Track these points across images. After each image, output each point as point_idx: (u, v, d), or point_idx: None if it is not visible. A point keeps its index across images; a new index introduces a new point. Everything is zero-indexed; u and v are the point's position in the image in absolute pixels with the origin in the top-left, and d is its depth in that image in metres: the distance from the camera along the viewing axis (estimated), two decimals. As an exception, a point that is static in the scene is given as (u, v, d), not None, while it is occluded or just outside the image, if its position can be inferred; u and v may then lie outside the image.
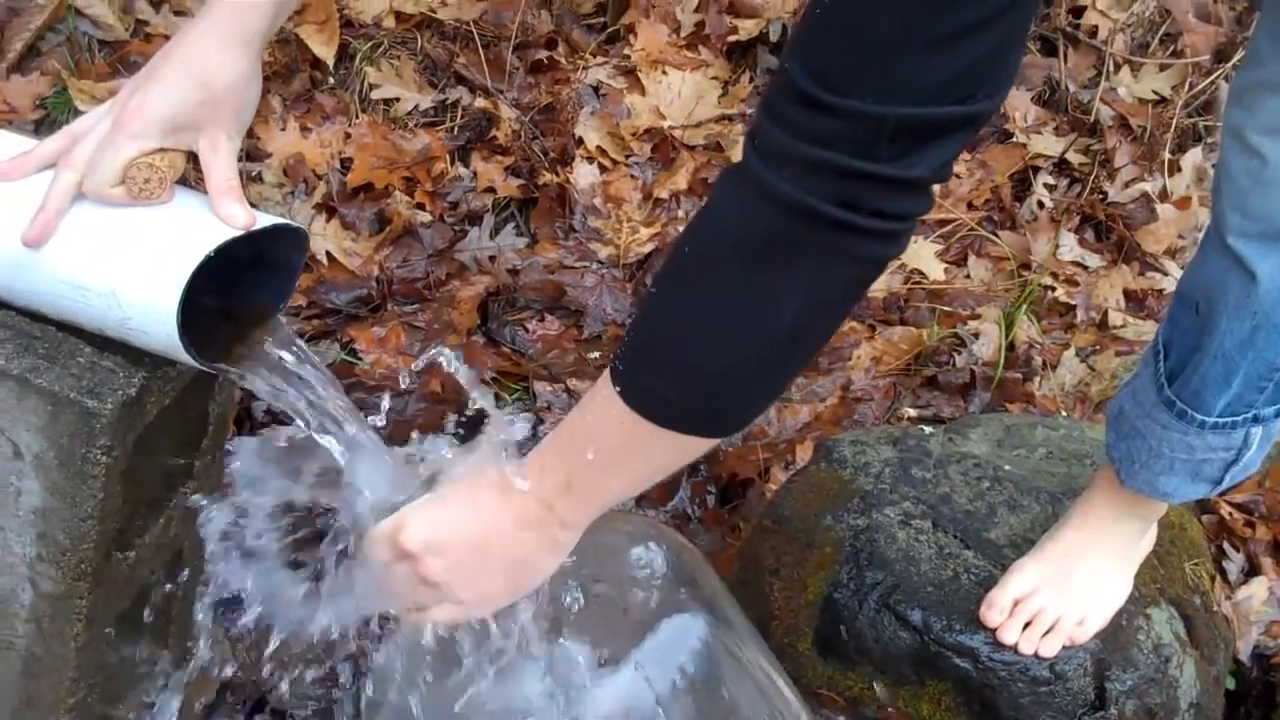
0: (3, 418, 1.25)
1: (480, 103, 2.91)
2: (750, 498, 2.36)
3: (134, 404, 1.26)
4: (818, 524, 1.93)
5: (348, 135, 2.82)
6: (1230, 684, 2.14)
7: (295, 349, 1.30)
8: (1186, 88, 3.17)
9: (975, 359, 2.63)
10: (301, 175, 2.74)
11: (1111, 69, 3.18)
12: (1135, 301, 2.88)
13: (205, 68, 1.27)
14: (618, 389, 1.14)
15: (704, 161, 2.93)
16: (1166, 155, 3.09)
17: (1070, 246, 2.93)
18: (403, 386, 2.47)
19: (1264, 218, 1.44)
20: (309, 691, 1.91)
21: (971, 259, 2.89)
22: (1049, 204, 3.01)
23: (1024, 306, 2.72)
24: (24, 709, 1.44)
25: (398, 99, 2.91)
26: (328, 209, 2.73)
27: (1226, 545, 2.34)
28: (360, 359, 2.51)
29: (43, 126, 2.71)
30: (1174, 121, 3.12)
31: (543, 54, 3.02)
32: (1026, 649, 1.76)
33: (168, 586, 1.53)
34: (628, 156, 2.93)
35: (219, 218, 1.25)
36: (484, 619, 1.30)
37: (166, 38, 2.83)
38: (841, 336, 2.63)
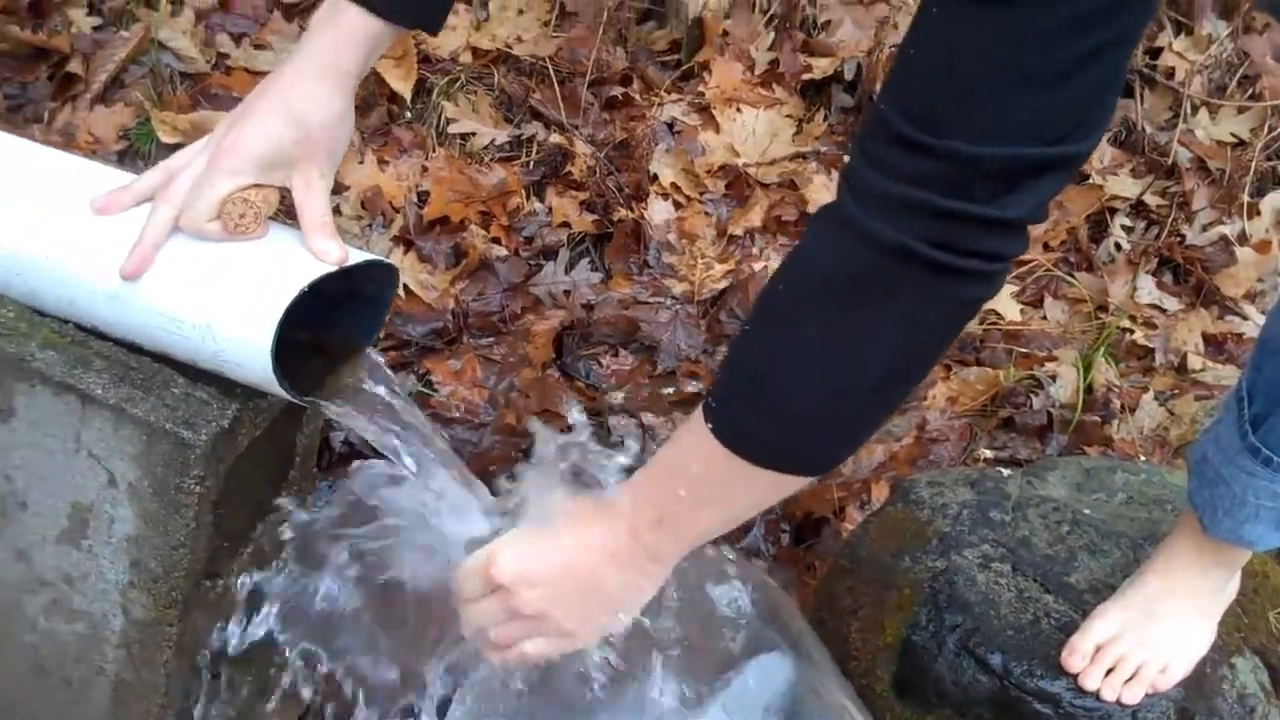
0: (99, 446, 1.27)
1: (555, 138, 2.93)
2: (825, 536, 2.35)
3: (227, 435, 1.27)
4: (895, 565, 1.91)
5: (424, 169, 2.84)
6: (1313, 735, 2.11)
7: (385, 383, 1.31)
8: (1266, 130, 3.14)
9: (1052, 401, 2.61)
10: (379, 208, 2.76)
11: (1189, 111, 3.16)
12: (1214, 345, 2.85)
13: (300, 106, 1.29)
14: (710, 426, 1.14)
15: (778, 199, 2.93)
16: (1245, 198, 3.07)
17: (1148, 289, 2.91)
18: (479, 419, 2.48)
19: None
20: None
21: (1048, 300, 2.87)
22: (1126, 246, 2.99)
23: (1102, 349, 2.70)
24: (111, 734, 1.46)
25: (474, 133, 2.93)
26: (405, 242, 2.75)
27: (1309, 594, 2.31)
28: (436, 391, 2.52)
29: (125, 157, 2.75)
30: (1253, 164, 3.09)
31: (618, 90, 3.03)
32: (1109, 696, 1.74)
33: (252, 614, 1.55)
34: (702, 193, 2.94)
35: (313, 253, 1.26)
36: (569, 656, 1.30)
37: (246, 71, 2.88)
38: (917, 376, 2.62)
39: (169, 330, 1.25)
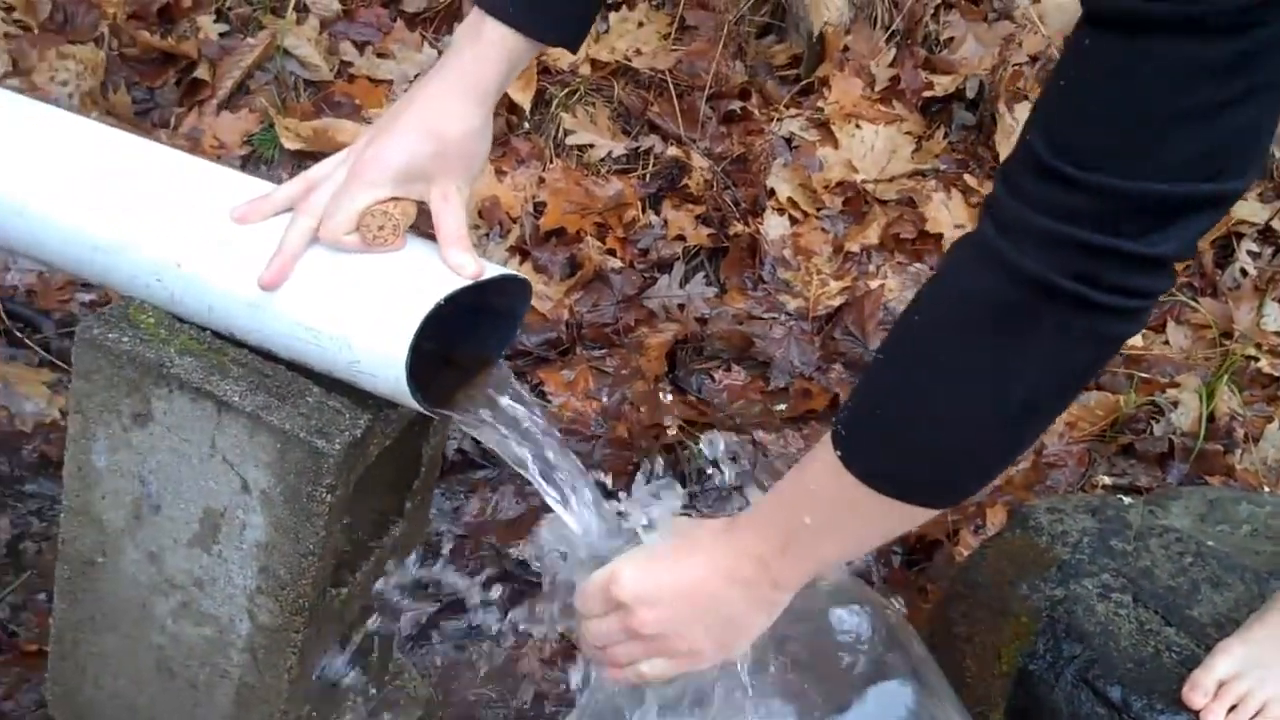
0: (233, 452, 1.29)
1: (673, 151, 2.93)
2: (938, 560, 2.33)
3: (359, 445, 1.28)
4: (1013, 592, 1.89)
5: (542, 180, 2.86)
6: None
7: (517, 396, 1.32)
8: (1398, 156, 3.08)
9: (1174, 428, 2.57)
10: (496, 218, 2.79)
11: (1319, 134, 3.09)
12: (1342, 376, 2.79)
13: (439, 121, 1.30)
14: (839, 454, 1.13)
15: (896, 216, 2.92)
16: (1375, 225, 3.00)
17: (1275, 316, 2.86)
18: (590, 431, 2.49)
19: None
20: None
21: (1171, 325, 2.83)
22: (1253, 272, 2.94)
23: (1225, 376, 2.65)
24: (234, 737, 1.48)
25: (591, 145, 2.94)
26: (521, 252, 2.77)
27: None
28: (549, 401, 2.53)
29: (249, 163, 2.80)
30: (1384, 191, 3.03)
31: (736, 104, 3.04)
32: (1231, 734, 1.70)
33: (372, 623, 1.56)
34: (819, 209, 2.93)
35: (449, 267, 1.27)
36: (687, 680, 1.30)
37: (369, 79, 2.92)
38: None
39: (306, 340, 1.26)
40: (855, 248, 2.86)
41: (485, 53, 1.30)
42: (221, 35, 2.94)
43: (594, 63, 3.02)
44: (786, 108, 3.06)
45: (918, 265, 2.85)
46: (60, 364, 2.33)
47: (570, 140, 2.94)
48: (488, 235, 2.77)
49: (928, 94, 3.09)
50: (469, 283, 1.27)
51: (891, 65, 3.12)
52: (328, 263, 1.28)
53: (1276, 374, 2.75)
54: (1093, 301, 1.01)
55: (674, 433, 2.49)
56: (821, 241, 2.86)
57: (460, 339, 1.35)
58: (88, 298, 2.47)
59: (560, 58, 2.99)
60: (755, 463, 2.48)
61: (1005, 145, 2.94)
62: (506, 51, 1.30)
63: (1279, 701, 1.72)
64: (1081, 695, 1.77)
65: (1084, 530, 1.97)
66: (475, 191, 2.79)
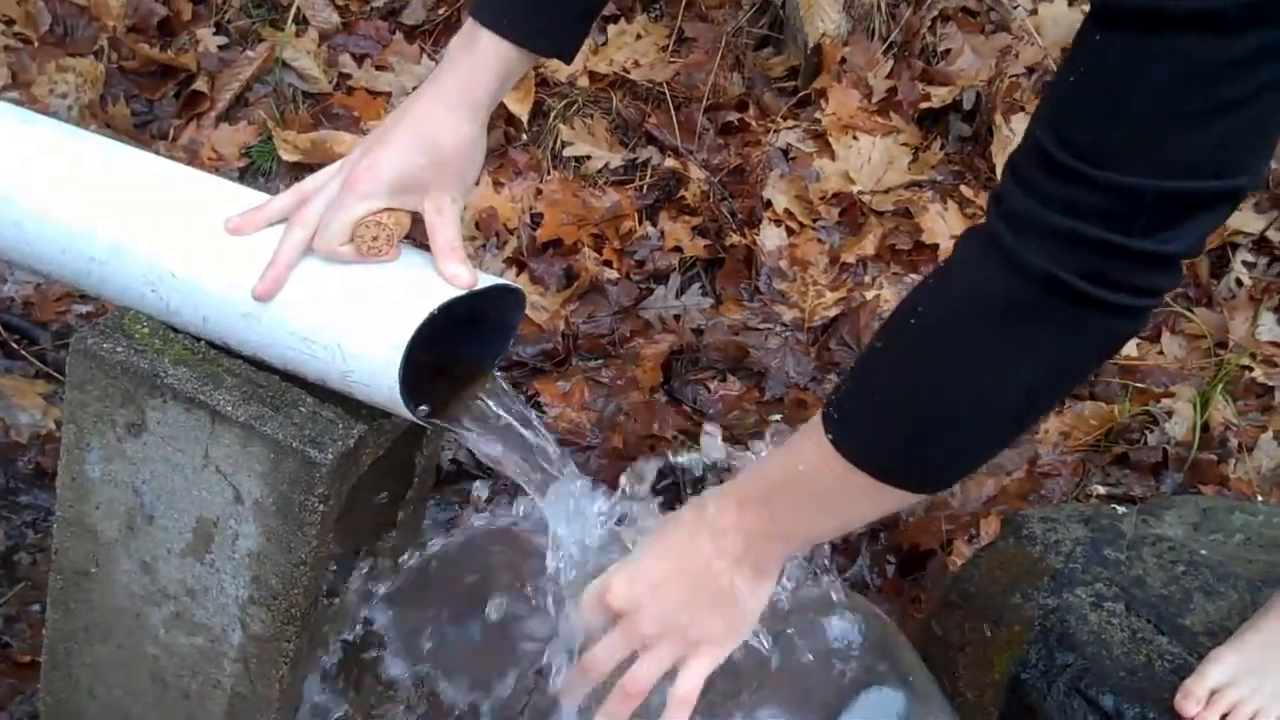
0: (226, 463, 1.30)
1: (670, 163, 2.94)
2: (931, 569, 2.33)
3: (351, 455, 1.29)
4: (1006, 601, 1.89)
5: (539, 191, 2.87)
6: None
7: (511, 406, 1.32)
8: (1394, 167, 3.08)
9: (1168, 438, 2.57)
10: (493, 229, 2.79)
11: (1315, 145, 3.10)
12: (1336, 386, 2.80)
13: (433, 133, 1.31)
14: (830, 436, 1.14)
15: (892, 227, 2.92)
16: (1371, 236, 3.00)
17: (1269, 326, 2.86)
18: (586, 442, 2.49)
19: None
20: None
21: (1165, 335, 2.83)
22: (1248, 282, 2.94)
23: (1220, 386, 2.66)
24: (226, 747, 1.48)
25: (589, 156, 2.95)
26: (518, 263, 2.77)
27: None
28: (544, 412, 2.53)
29: (247, 174, 2.81)
30: (1380, 202, 3.03)
31: (733, 116, 3.04)
32: (1224, 742, 1.71)
33: (363, 631, 1.57)
34: (815, 220, 2.93)
35: (443, 277, 1.28)
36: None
37: (367, 91, 2.93)
38: (1029, 410, 2.59)
39: (300, 350, 1.27)
40: (851, 259, 2.86)
41: (479, 64, 1.31)
42: (220, 48, 2.95)
43: (592, 74, 3.03)
44: (784, 119, 3.07)
45: (914, 276, 2.86)
46: (56, 376, 2.33)
47: (568, 152, 2.95)
48: (484, 246, 2.77)
49: (924, 105, 3.10)
50: (463, 292, 1.27)
51: (889, 77, 3.13)
52: (322, 273, 1.29)
53: (1271, 384, 2.75)
54: (1101, 299, 1.02)
55: (669, 438, 2.50)
56: (818, 252, 2.87)
57: (454, 349, 1.36)
58: (84, 309, 2.48)
59: (558, 70, 3.00)
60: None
61: (1002, 157, 2.94)
62: (501, 62, 1.31)
63: (1271, 709, 1.73)
64: (1074, 704, 1.77)
65: (1077, 539, 1.97)
66: (472, 203, 2.80)
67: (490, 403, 1.33)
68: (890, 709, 1.42)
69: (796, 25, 3.12)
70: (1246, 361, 2.78)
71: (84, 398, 1.34)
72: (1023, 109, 3.04)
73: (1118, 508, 2.13)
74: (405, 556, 1.44)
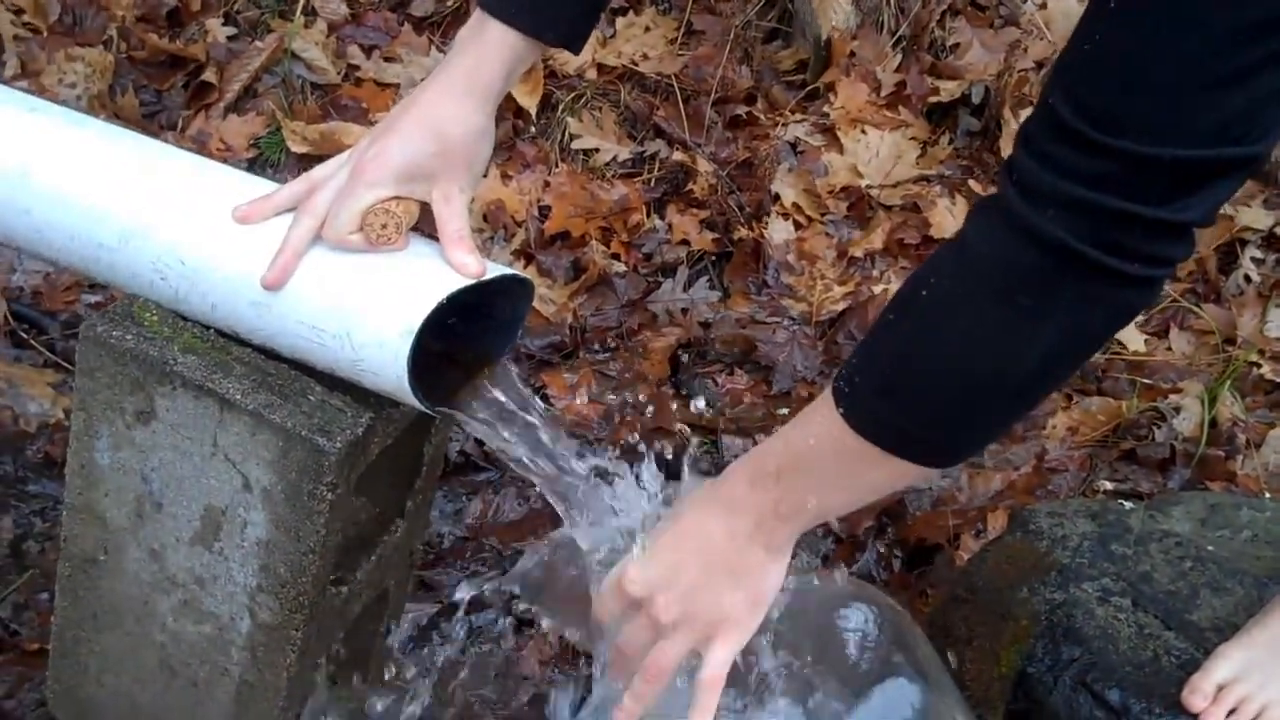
0: (235, 451, 1.30)
1: (678, 156, 2.94)
2: (938, 564, 2.32)
3: (360, 443, 1.29)
4: (1013, 596, 1.89)
5: (547, 184, 2.87)
6: None
7: (520, 397, 1.32)
8: (1403, 163, 3.07)
9: (1176, 434, 2.57)
10: (501, 221, 2.79)
11: (1325, 141, 3.09)
12: (1344, 383, 2.79)
13: (441, 122, 1.31)
14: (841, 410, 1.14)
15: (900, 222, 2.92)
16: (1380, 232, 3.00)
17: (1278, 323, 2.85)
18: (593, 434, 2.49)
19: None
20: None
21: (1174, 331, 2.83)
22: (1256, 278, 2.93)
23: (1228, 382, 2.65)
24: (234, 735, 1.49)
25: (597, 149, 2.95)
26: (526, 255, 2.77)
27: None
28: (551, 404, 2.53)
29: (255, 165, 2.80)
30: (1390, 198, 3.03)
31: (742, 109, 3.04)
32: (1230, 737, 1.71)
33: (371, 622, 1.57)
34: (823, 214, 2.93)
35: (452, 266, 1.28)
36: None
37: (376, 83, 2.92)
38: (1036, 404, 2.59)
39: (309, 339, 1.27)
40: (859, 253, 2.86)
41: (487, 53, 1.31)
42: (229, 38, 2.95)
43: (600, 67, 3.03)
44: (792, 113, 3.06)
45: (921, 270, 2.85)
46: (65, 365, 2.33)
47: (576, 144, 2.95)
48: (492, 238, 2.77)
49: (933, 99, 3.10)
50: (472, 282, 1.27)
51: (897, 71, 3.12)
52: (330, 262, 1.29)
53: (1279, 380, 2.74)
54: (1115, 269, 1.01)
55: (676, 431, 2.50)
56: (825, 246, 2.87)
57: (463, 339, 1.36)
58: (93, 299, 2.48)
59: (567, 62, 3.00)
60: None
61: (1010, 151, 2.93)
62: (508, 52, 1.31)
63: (1278, 705, 1.73)
64: (1080, 699, 1.77)
65: (1084, 534, 1.97)
66: (480, 195, 2.80)
67: (498, 393, 1.32)
68: (906, 701, 1.41)
69: (805, 18, 3.12)
70: (1254, 358, 2.77)
71: (93, 385, 1.35)
72: (1031, 103, 3.03)
73: (1125, 503, 2.12)
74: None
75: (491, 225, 2.79)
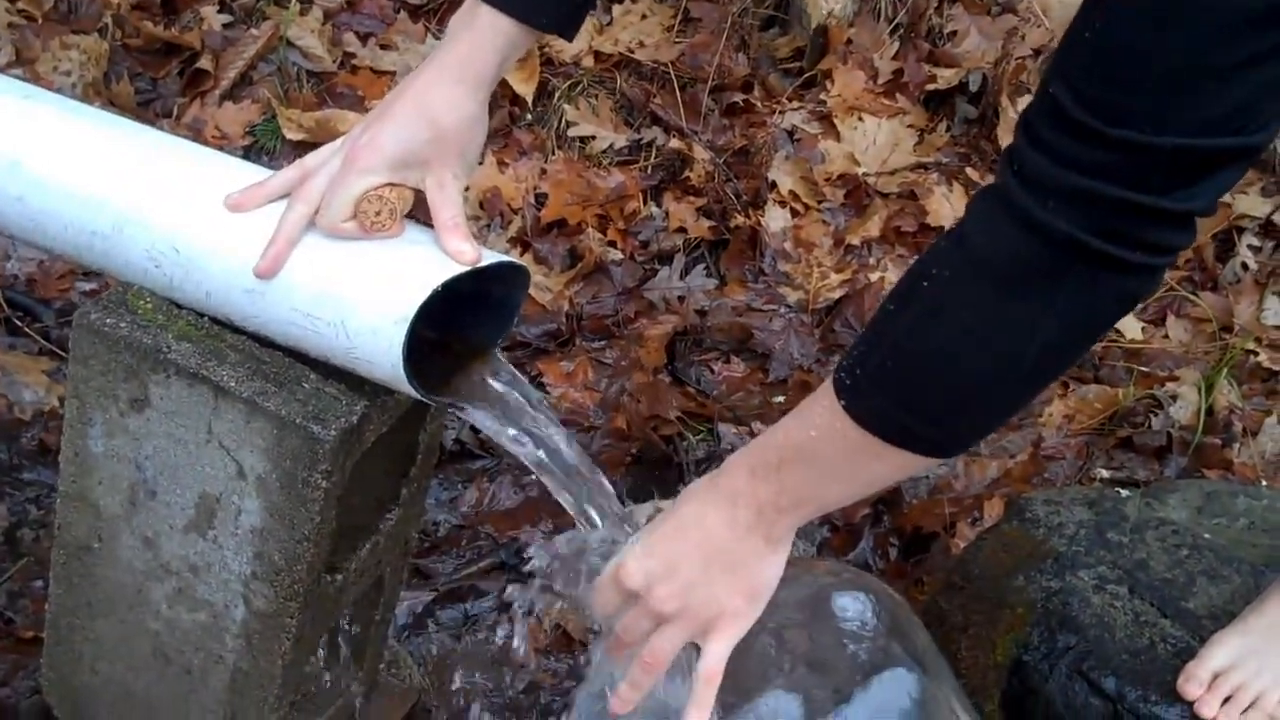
0: (229, 438, 1.29)
1: (675, 143, 2.94)
2: (935, 552, 2.33)
3: (355, 431, 1.28)
4: (1009, 583, 1.89)
5: (543, 171, 2.86)
6: None
7: (514, 384, 1.32)
8: (1400, 151, 3.07)
9: (1172, 422, 2.57)
10: (498, 209, 2.79)
11: (1322, 129, 3.09)
12: (1342, 370, 2.79)
13: (435, 108, 1.30)
14: (842, 402, 1.14)
15: (897, 209, 2.92)
16: (1377, 220, 3.00)
17: (1275, 310, 2.85)
18: (589, 422, 2.49)
19: None
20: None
21: (1170, 319, 2.82)
22: (1253, 266, 2.93)
23: (1225, 370, 2.65)
24: (228, 723, 1.49)
25: (593, 137, 2.95)
26: (522, 243, 2.77)
27: None
28: (548, 393, 2.53)
29: (250, 153, 2.80)
30: (1387, 186, 3.02)
31: (739, 97, 3.04)
32: (1226, 725, 1.71)
33: (366, 610, 1.57)
34: (820, 202, 2.93)
35: (447, 253, 1.27)
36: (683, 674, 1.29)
37: (372, 70, 2.92)
38: (1033, 392, 2.59)
39: (303, 326, 1.26)
40: (856, 240, 2.86)
41: (480, 40, 1.30)
42: (225, 26, 2.94)
43: (597, 55, 3.03)
44: (789, 100, 3.06)
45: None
46: (59, 352, 2.33)
47: (572, 132, 2.94)
48: (489, 226, 2.77)
49: (930, 87, 3.09)
50: (467, 269, 1.27)
51: (894, 58, 3.12)
52: (324, 249, 1.28)
53: (1276, 368, 2.74)
54: (1117, 258, 1.01)
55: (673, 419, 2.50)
56: (822, 234, 2.87)
57: (458, 327, 1.35)
58: (87, 286, 2.48)
59: (563, 50, 3.00)
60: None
61: (1007, 139, 2.93)
62: (501, 38, 1.30)
63: (1273, 692, 1.73)
64: (1076, 686, 1.77)
65: (1080, 522, 1.97)
66: (476, 182, 2.79)
67: (493, 381, 1.32)
68: (904, 690, 1.41)
69: (802, 6, 3.12)
70: (1251, 345, 2.77)
71: (87, 373, 1.34)
72: (1029, 91, 3.03)
73: (1121, 491, 2.13)
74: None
75: (488, 213, 2.79)
